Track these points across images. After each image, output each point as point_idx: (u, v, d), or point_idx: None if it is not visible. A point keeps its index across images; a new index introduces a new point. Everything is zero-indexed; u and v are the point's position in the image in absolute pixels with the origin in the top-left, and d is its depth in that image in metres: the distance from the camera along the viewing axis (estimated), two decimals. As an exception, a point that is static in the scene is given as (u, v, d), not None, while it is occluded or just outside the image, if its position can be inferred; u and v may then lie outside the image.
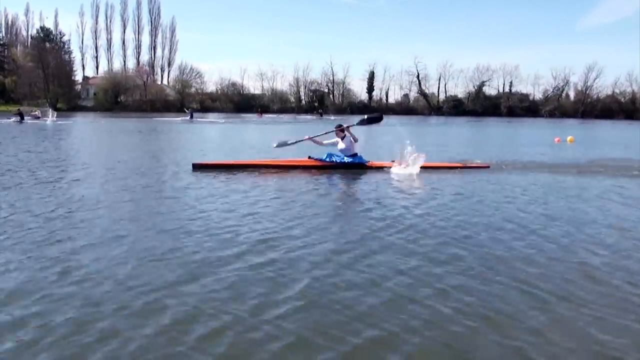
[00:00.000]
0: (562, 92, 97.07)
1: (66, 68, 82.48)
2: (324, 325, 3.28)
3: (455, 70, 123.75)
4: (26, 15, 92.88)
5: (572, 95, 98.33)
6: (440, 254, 4.85)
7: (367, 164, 11.24)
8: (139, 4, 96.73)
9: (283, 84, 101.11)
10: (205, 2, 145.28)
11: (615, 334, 3.22)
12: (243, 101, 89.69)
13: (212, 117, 52.75)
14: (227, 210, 6.68)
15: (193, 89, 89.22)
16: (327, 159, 11.19)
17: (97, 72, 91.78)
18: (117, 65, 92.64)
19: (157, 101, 78.97)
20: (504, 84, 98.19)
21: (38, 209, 6.51)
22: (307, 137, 11.67)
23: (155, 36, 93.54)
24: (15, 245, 4.86)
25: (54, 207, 6.66)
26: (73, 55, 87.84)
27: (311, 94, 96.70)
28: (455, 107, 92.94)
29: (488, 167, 12.05)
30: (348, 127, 11.39)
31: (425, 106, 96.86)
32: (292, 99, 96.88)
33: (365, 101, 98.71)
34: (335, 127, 11.42)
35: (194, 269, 4.28)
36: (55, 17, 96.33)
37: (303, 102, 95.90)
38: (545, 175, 10.94)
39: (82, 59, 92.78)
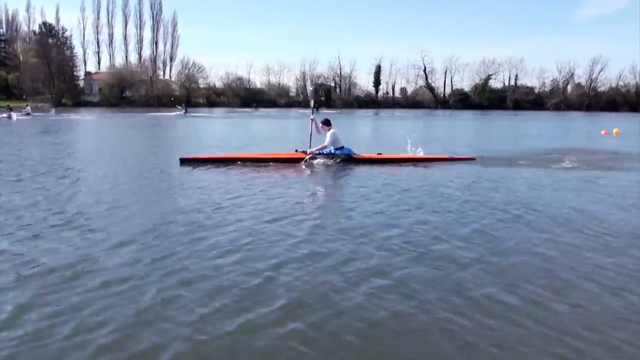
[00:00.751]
0: (567, 84, 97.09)
1: (69, 63, 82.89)
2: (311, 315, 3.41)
3: (461, 64, 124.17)
4: (27, 10, 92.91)
5: (570, 88, 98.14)
6: (424, 245, 5.00)
7: (354, 156, 11.43)
8: None
9: (289, 79, 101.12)
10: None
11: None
12: (249, 96, 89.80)
13: (204, 111, 53.02)
14: (210, 203, 6.85)
15: (199, 84, 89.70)
16: (315, 152, 11.36)
17: (99, 68, 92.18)
18: (119, 60, 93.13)
19: (164, 96, 79.32)
20: (509, 77, 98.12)
21: (21, 201, 6.80)
22: (313, 117, 11.88)
23: (157, 31, 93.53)
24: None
25: (30, 200, 6.95)
26: (75, 50, 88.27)
27: (317, 87, 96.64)
28: (462, 101, 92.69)
29: (474, 159, 12.23)
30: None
31: (431, 99, 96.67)
32: (299, 93, 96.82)
33: (372, 95, 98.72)
34: (321, 122, 11.59)
35: (166, 263, 4.37)
36: (57, 12, 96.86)
37: (310, 96, 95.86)
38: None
39: (84, 54, 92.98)
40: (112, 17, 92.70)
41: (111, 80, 79.32)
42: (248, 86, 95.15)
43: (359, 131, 26.63)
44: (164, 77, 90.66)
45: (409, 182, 8.89)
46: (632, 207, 6.91)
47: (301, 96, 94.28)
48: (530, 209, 6.68)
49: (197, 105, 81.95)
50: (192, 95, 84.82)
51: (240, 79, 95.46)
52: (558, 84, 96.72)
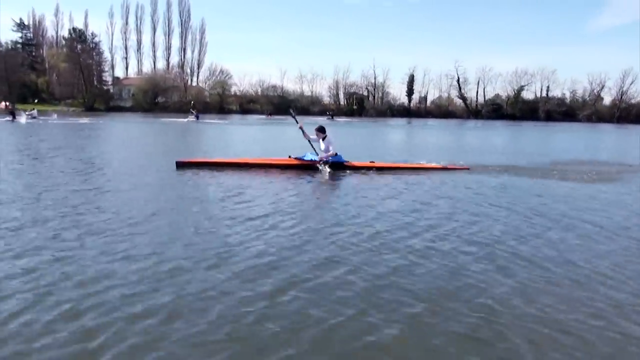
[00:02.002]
0: (598, 96, 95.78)
1: (98, 68, 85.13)
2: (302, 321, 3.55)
3: (494, 74, 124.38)
4: (56, 16, 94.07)
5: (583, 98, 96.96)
6: (415, 251, 5.21)
7: (345, 163, 11.72)
8: (169, 6, 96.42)
9: (322, 87, 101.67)
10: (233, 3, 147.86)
11: None
12: (283, 103, 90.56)
13: (216, 118, 53.61)
14: (205, 205, 7.23)
15: (231, 91, 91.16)
16: (307, 158, 11.72)
17: (127, 74, 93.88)
18: (147, 66, 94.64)
19: (198, 102, 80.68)
20: (541, 88, 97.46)
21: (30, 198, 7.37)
22: (301, 125, 12.11)
23: (185, 38, 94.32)
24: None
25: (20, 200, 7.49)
26: (105, 56, 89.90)
27: (348, 96, 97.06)
28: (495, 111, 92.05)
29: (468, 168, 12.41)
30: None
31: (464, 110, 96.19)
32: (332, 101, 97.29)
33: (405, 104, 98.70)
34: (315, 129, 11.93)
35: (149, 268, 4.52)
36: (85, 18, 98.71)
37: (342, 104, 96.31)
38: None
39: (112, 60, 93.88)
40: (140, 23, 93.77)
41: (144, 86, 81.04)
42: (281, 94, 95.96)
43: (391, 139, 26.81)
44: (191, 83, 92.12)
45: (396, 190, 9.13)
46: None
47: (334, 105, 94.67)
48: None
49: (229, 111, 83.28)
50: (224, 102, 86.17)
51: (274, 86, 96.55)
52: (590, 95, 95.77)
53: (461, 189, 9.39)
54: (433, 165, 12.51)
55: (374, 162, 12.19)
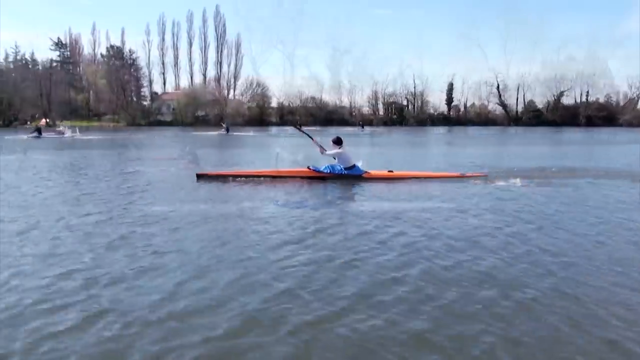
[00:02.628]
0: (638, 100, 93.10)
1: (137, 84, 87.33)
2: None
3: (533, 80, 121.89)
4: (92, 34, 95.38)
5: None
6: (433, 261, 5.27)
7: (364, 174, 11.91)
8: (204, 21, 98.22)
9: (362, 97, 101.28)
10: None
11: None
12: (321, 114, 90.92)
13: (251, 130, 54.19)
14: (222, 216, 7.52)
15: (270, 103, 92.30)
16: (326, 170, 11.96)
17: (165, 89, 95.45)
18: (184, 81, 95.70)
19: (238, 116, 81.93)
20: (581, 93, 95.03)
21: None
22: (315, 140, 12.46)
23: (222, 52, 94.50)
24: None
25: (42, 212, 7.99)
26: (143, 71, 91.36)
27: (387, 106, 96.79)
28: (536, 117, 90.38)
29: (486, 175, 12.42)
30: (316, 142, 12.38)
31: (504, 117, 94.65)
32: (371, 111, 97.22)
33: (445, 112, 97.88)
34: (332, 140, 12.16)
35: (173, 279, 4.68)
36: (122, 35, 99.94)
37: (381, 114, 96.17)
38: None
39: (149, 75, 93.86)
40: (177, 39, 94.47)
41: (184, 100, 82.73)
42: (320, 104, 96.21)
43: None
44: (227, 96, 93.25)
45: (416, 198, 9.32)
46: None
47: (373, 115, 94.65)
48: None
49: (269, 123, 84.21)
50: (264, 114, 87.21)
51: (313, 97, 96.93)
52: (630, 99, 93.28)
53: (480, 195, 9.45)
54: (450, 173, 12.58)
55: (392, 171, 12.32)
